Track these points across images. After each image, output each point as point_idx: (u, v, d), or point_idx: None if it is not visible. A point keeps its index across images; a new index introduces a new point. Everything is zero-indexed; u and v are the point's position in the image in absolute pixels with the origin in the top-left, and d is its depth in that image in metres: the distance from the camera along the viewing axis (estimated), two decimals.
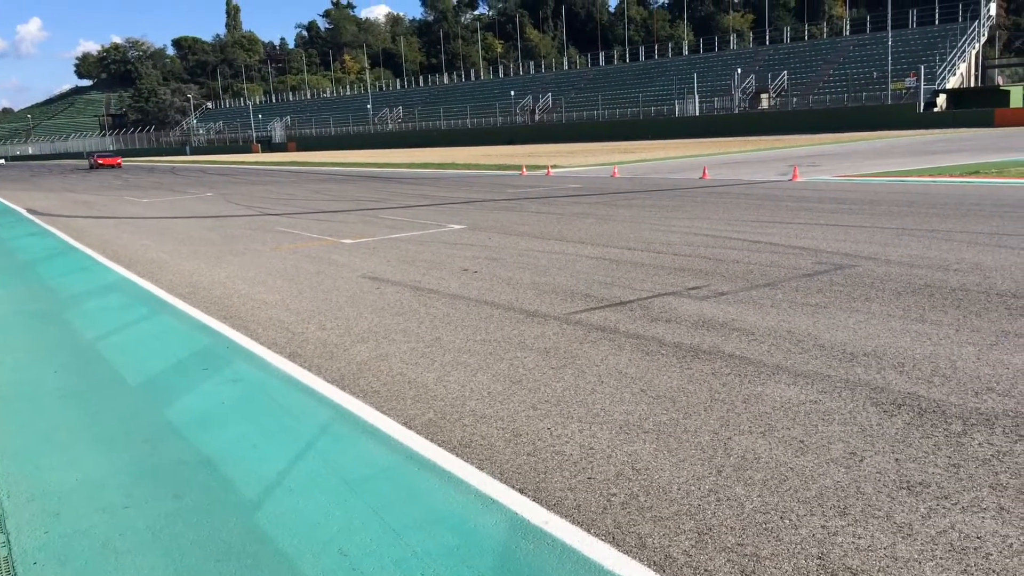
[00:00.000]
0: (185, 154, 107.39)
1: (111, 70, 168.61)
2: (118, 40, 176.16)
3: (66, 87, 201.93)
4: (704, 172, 21.62)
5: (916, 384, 4.59)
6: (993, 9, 61.71)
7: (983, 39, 59.83)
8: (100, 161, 65.47)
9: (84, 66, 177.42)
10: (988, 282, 6.96)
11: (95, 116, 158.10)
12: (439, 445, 4.14)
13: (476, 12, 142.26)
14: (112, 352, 6.44)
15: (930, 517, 3.14)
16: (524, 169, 28.76)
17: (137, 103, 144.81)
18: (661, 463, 3.77)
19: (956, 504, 3.23)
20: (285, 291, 8.51)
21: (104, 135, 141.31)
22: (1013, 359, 4.92)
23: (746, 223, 11.63)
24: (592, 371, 5.19)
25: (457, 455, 4.00)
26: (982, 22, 58.51)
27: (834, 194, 15.04)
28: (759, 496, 3.39)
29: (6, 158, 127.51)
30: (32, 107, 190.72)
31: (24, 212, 22.33)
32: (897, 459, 3.66)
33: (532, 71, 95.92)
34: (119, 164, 65.76)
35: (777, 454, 3.79)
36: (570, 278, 8.31)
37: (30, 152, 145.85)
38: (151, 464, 4.09)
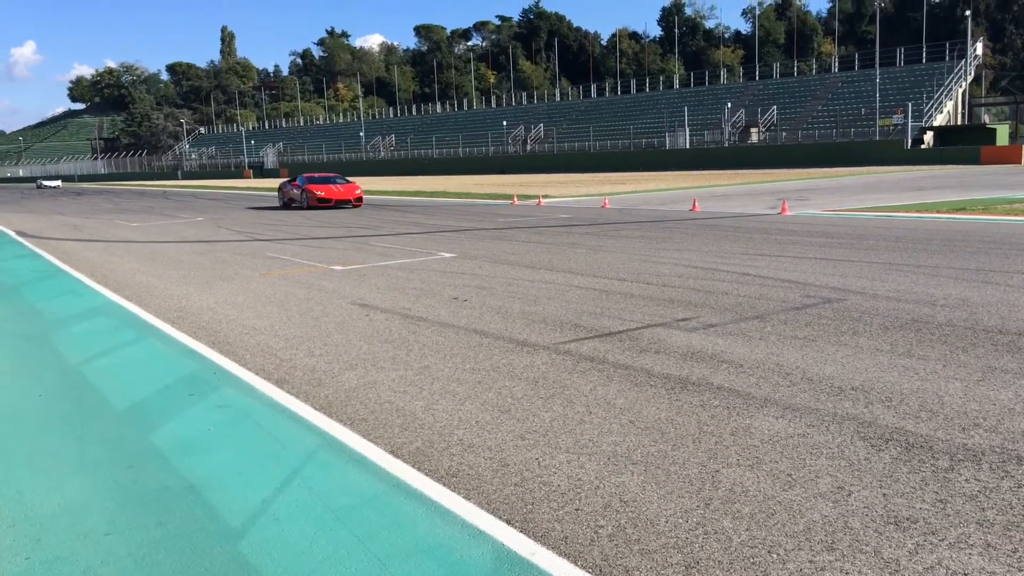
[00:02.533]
0: (177, 179, 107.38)
1: (104, 94, 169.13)
2: (112, 64, 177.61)
3: (59, 110, 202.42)
4: (694, 204, 21.76)
5: (903, 419, 4.60)
6: (980, 49, 62.74)
7: (970, 78, 60.74)
8: (320, 194, 28.32)
9: (77, 89, 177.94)
10: (975, 318, 7.01)
11: (87, 139, 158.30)
12: (426, 474, 4.11)
13: (470, 43, 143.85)
14: (98, 376, 6.39)
15: (917, 553, 3.14)
16: (515, 199, 28.87)
17: (130, 127, 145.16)
18: (649, 495, 3.76)
19: (943, 540, 3.23)
20: (274, 317, 8.48)
21: (96, 159, 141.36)
22: (1000, 395, 4.94)
23: (735, 255, 11.69)
24: (581, 401, 5.19)
25: (444, 484, 3.98)
26: (969, 61, 59.42)
27: (822, 228, 15.15)
28: (747, 530, 3.38)
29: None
30: (24, 129, 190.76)
31: (13, 234, 22.24)
32: (885, 494, 3.66)
33: (524, 102, 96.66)
34: (358, 199, 28.80)
35: (765, 487, 3.78)
36: (560, 308, 8.32)
37: (21, 175, 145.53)
38: (135, 490, 4.05)
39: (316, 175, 30.68)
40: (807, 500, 3.63)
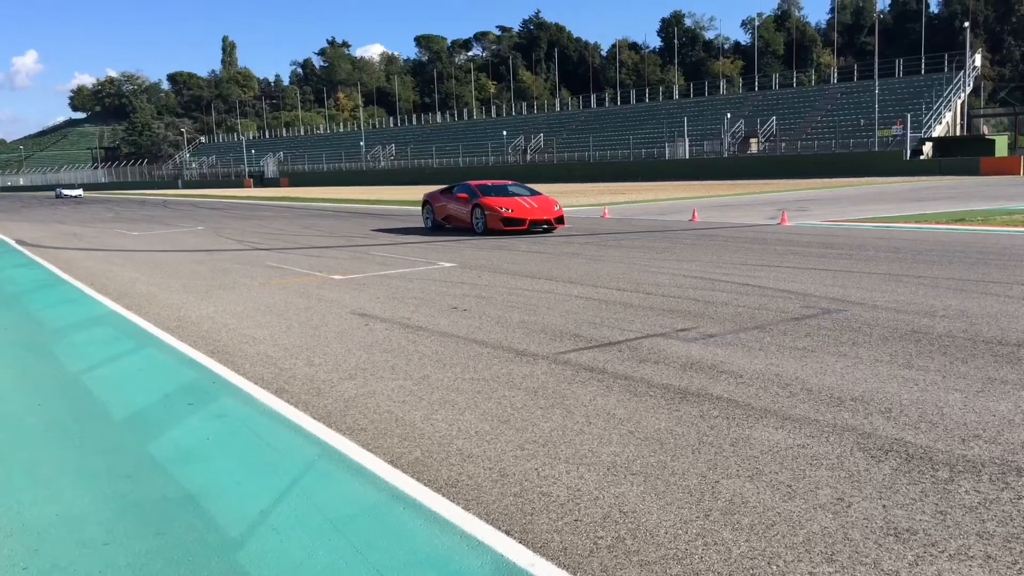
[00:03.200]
0: (177, 187, 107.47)
1: (105, 103, 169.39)
2: (113, 74, 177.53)
3: (60, 119, 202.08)
4: (694, 214, 21.77)
5: (903, 430, 4.60)
6: (978, 60, 62.93)
7: (968, 89, 60.89)
8: (507, 211, 18.43)
9: (78, 99, 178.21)
10: (974, 329, 7.01)
11: (88, 148, 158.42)
12: (425, 484, 4.11)
13: (470, 53, 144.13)
14: (98, 385, 6.38)
15: (917, 564, 3.13)
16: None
17: (130, 136, 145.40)
18: (648, 506, 3.75)
19: (943, 552, 3.22)
20: (274, 326, 8.48)
21: (96, 167, 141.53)
22: (999, 406, 4.94)
23: (735, 266, 11.70)
24: (580, 411, 5.18)
25: (443, 495, 3.97)
26: (967, 72, 59.60)
27: (822, 239, 15.16)
28: (747, 541, 3.37)
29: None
30: (25, 138, 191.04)
31: (13, 243, 22.25)
32: (884, 505, 3.65)
33: (524, 112, 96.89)
34: (559, 219, 18.97)
35: (765, 498, 3.78)
36: (559, 318, 8.32)
37: (21, 183, 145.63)
38: (133, 500, 4.04)
39: (488, 183, 20.38)
40: (807, 511, 3.63)
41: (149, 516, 3.84)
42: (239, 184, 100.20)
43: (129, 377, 6.66)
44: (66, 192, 77.86)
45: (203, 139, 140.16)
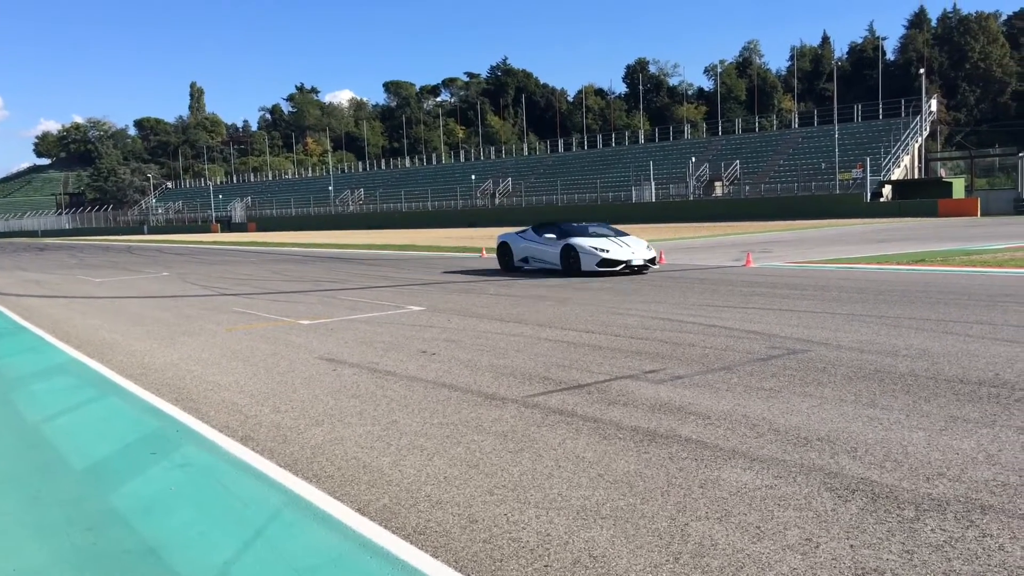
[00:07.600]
0: (143, 233, 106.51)
1: (71, 149, 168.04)
2: (80, 120, 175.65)
3: (24, 165, 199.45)
4: (660, 256, 21.96)
5: (869, 469, 4.64)
6: (934, 105, 64.62)
7: (925, 133, 62.45)
8: None
9: (43, 145, 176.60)
10: (936, 368, 7.12)
11: (52, 194, 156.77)
12: (393, 532, 4.06)
13: (438, 99, 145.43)
14: (57, 435, 6.25)
15: None
16: (484, 252, 28.96)
17: (96, 182, 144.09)
18: (619, 550, 3.74)
19: None
20: (239, 373, 8.38)
21: (61, 214, 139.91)
22: (962, 444, 5.00)
23: (701, 307, 11.80)
24: (549, 455, 5.17)
25: (411, 542, 3.92)
26: (924, 117, 61.20)
27: (786, 280, 15.37)
28: None
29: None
30: None
31: None
32: (852, 545, 3.67)
33: (493, 156, 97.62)
34: None
35: (734, 540, 3.78)
36: (528, 360, 8.32)
37: None
38: (94, 553, 3.94)
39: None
40: (775, 552, 3.63)
41: (110, 570, 3.74)
42: (206, 229, 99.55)
43: (90, 426, 6.53)
44: None
45: (170, 184, 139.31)
